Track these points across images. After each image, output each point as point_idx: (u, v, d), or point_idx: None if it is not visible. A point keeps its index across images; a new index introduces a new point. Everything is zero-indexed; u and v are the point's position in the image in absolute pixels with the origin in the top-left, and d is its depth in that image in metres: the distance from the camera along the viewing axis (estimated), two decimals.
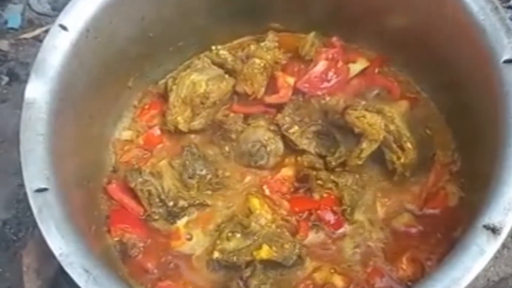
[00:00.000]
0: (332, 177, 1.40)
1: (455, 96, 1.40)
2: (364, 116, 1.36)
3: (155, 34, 1.45)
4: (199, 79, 1.46)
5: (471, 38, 1.22)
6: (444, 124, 1.48)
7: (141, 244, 1.40)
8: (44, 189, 1.15)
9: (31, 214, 1.15)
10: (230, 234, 1.36)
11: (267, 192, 1.43)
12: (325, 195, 1.40)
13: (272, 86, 1.51)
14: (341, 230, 1.39)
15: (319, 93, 1.49)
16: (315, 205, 1.40)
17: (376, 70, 1.55)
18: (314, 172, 1.41)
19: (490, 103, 1.19)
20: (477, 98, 1.27)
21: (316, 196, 1.41)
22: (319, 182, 1.40)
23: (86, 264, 1.10)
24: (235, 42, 1.60)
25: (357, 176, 1.40)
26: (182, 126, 1.47)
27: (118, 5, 1.34)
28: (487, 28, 1.20)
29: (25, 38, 1.94)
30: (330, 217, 1.39)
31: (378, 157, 1.40)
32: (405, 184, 1.42)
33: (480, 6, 1.21)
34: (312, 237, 1.39)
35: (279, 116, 1.46)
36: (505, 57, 1.17)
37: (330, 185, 1.40)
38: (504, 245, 1.46)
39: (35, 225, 1.15)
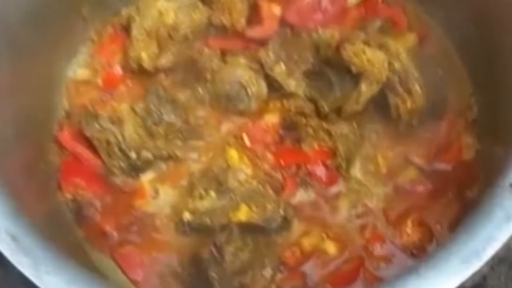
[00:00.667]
0: (324, 124, 1.20)
1: (473, 30, 1.19)
2: (363, 52, 1.15)
3: None
4: (167, 8, 1.25)
5: None
6: (459, 63, 1.27)
7: (98, 203, 1.22)
8: None
9: None
10: (203, 192, 1.18)
11: (247, 142, 1.23)
12: (316, 146, 1.21)
13: (255, 16, 1.29)
14: (335, 188, 1.21)
15: (311, 25, 1.27)
16: (304, 158, 1.21)
17: None
18: (303, 119, 1.21)
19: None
20: (501, 33, 1.05)
21: (306, 147, 1.22)
22: (309, 130, 1.20)
23: (15, 230, 0.89)
24: None
25: (354, 124, 1.20)
26: (147, 64, 1.25)
27: None
28: None
29: None
30: (321, 172, 1.21)
31: (380, 101, 1.19)
32: (412, 134, 1.22)
33: None
34: (301, 195, 1.21)
35: (262, 52, 1.24)
36: None
37: (322, 134, 1.20)
38: None
39: None
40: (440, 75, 1.24)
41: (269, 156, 1.22)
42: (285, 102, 1.22)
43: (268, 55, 1.23)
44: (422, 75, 1.17)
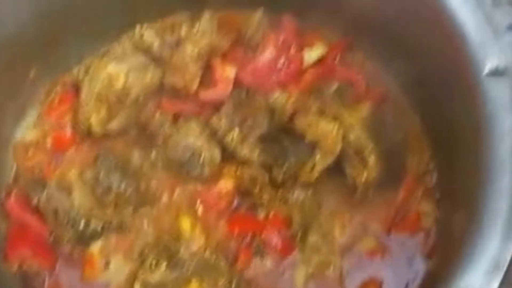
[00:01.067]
0: (280, 192, 1.17)
1: (430, 94, 1.15)
2: (317, 123, 1.12)
3: (59, 16, 1.18)
4: (117, 71, 1.19)
5: (448, 39, 0.96)
6: (418, 125, 1.23)
7: (47, 273, 1.18)
8: None
9: None
10: (154, 263, 1.14)
11: (200, 209, 1.19)
12: (271, 214, 1.18)
13: (208, 78, 1.24)
14: (291, 257, 1.17)
15: (266, 86, 1.23)
16: (259, 226, 1.18)
17: (337, 58, 1.27)
18: (257, 187, 1.17)
19: (471, 123, 0.94)
20: (456, 111, 1.02)
21: (261, 215, 1.18)
22: (264, 198, 1.17)
23: None
24: (166, 19, 1.30)
25: (310, 191, 1.17)
26: (96, 128, 1.21)
27: None
28: (468, 27, 0.92)
29: None
30: (277, 241, 1.17)
31: (336, 169, 1.16)
32: (369, 202, 1.18)
33: (462, 1, 0.93)
34: (256, 265, 1.16)
35: (214, 118, 1.20)
36: (491, 66, 0.90)
37: (277, 202, 1.17)
38: None
39: None
40: (399, 139, 1.21)
41: (223, 224, 1.18)
42: (239, 170, 1.18)
43: (220, 122, 1.19)
44: (378, 144, 1.13)
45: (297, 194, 1.17)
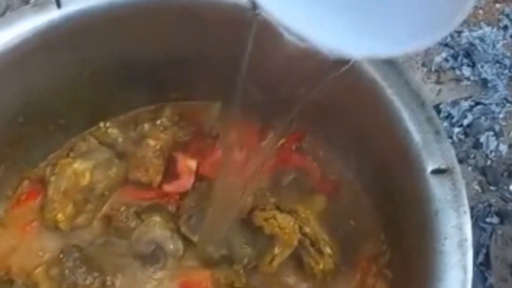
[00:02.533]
0: None
1: (382, 184, 1.19)
2: (274, 218, 1.17)
3: (26, 118, 1.20)
4: (83, 169, 1.23)
5: (393, 138, 1.02)
6: (371, 210, 1.27)
7: None
8: None
9: None
10: None
11: None
12: None
13: (171, 170, 1.29)
14: None
15: None
16: None
17: (293, 147, 1.32)
18: None
19: (418, 219, 1.00)
20: (405, 206, 1.07)
21: None
22: None
23: None
24: (129, 115, 1.35)
25: None
26: (63, 225, 1.23)
27: None
28: (411, 128, 0.99)
29: None
30: None
31: (296, 258, 1.21)
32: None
33: (404, 101, 1.00)
34: None
35: (180, 209, 1.26)
36: (434, 166, 0.96)
37: None
38: None
39: None
40: (353, 226, 1.25)
41: None
42: (215, 274, 1.21)
43: (183, 216, 1.24)
44: (333, 235, 1.19)
45: None
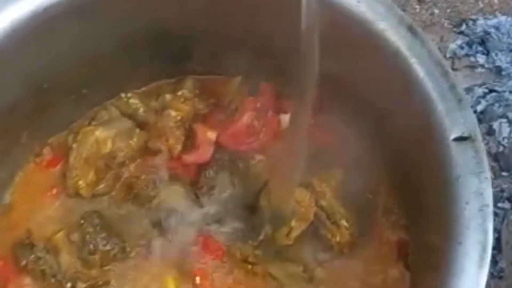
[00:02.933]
0: (270, 269, 1.21)
1: (400, 158, 1.21)
2: None
3: (51, 85, 1.22)
4: (104, 136, 1.25)
5: (416, 107, 1.04)
6: (390, 182, 1.28)
7: None
8: None
9: None
10: None
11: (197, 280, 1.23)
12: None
13: (191, 141, 1.30)
14: None
15: (246, 148, 1.30)
16: None
17: (312, 123, 1.33)
18: (249, 266, 1.22)
19: (439, 186, 1.01)
20: (425, 176, 1.09)
21: None
22: (257, 280, 1.22)
23: None
24: (150, 86, 1.37)
25: (300, 268, 1.21)
26: (84, 192, 1.26)
27: None
28: (434, 97, 1.00)
29: None
30: None
31: (312, 231, 1.22)
32: (345, 259, 1.23)
33: (427, 71, 1.01)
34: None
35: (200, 179, 1.27)
36: (456, 133, 0.98)
37: (269, 279, 1.22)
38: None
39: None
40: (370, 199, 1.27)
41: None
42: (231, 250, 1.23)
43: (202, 186, 1.25)
44: (349, 209, 1.21)
45: (286, 270, 1.22)
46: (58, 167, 1.32)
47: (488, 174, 0.95)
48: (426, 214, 1.10)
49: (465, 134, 0.97)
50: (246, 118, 1.31)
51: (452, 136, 0.98)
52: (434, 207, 1.03)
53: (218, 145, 1.30)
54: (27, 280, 1.22)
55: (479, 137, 0.98)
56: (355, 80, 1.20)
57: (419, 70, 1.02)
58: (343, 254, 1.22)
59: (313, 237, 1.23)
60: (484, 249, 0.92)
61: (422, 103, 1.02)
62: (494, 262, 1.46)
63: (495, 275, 1.46)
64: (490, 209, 0.93)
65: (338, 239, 1.20)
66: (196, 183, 1.28)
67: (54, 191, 1.30)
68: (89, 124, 1.30)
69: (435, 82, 1.01)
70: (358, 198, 1.25)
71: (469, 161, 0.96)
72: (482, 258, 0.92)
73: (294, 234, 1.19)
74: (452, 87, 1.00)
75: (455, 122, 0.98)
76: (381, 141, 1.24)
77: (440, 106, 1.00)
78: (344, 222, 1.19)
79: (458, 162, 0.96)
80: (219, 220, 1.25)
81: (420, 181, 1.10)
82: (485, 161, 0.96)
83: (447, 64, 1.01)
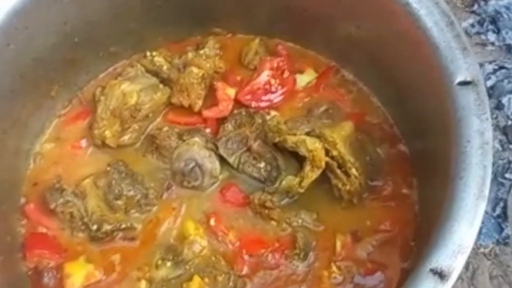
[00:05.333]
0: (286, 215, 1.28)
1: (411, 113, 1.28)
2: (304, 142, 1.24)
3: (81, 39, 1.31)
4: (130, 90, 1.33)
5: (424, 55, 1.11)
6: (396, 136, 1.36)
7: (57, 272, 1.26)
8: None
9: None
10: (160, 262, 1.25)
11: (212, 222, 1.29)
12: (280, 233, 1.29)
13: (211, 97, 1.38)
14: (290, 271, 1.26)
15: (263, 105, 1.38)
16: (263, 246, 1.27)
17: (326, 82, 1.41)
18: (266, 211, 1.28)
19: (443, 127, 1.08)
20: (431, 119, 1.15)
21: (269, 235, 1.29)
22: (273, 223, 1.28)
23: None
24: (173, 46, 1.45)
25: (314, 215, 1.28)
26: (110, 141, 1.33)
27: (34, 9, 1.19)
28: (441, 45, 1.07)
29: None
30: (280, 261, 1.26)
31: (323, 180, 1.28)
32: (354, 208, 1.29)
33: (434, 21, 1.08)
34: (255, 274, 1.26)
35: (219, 132, 1.34)
36: (460, 78, 1.04)
37: (284, 225, 1.28)
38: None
39: None
40: (379, 154, 1.33)
41: (232, 237, 1.28)
42: (250, 196, 1.29)
43: (223, 137, 1.32)
44: (359, 159, 1.26)
45: (302, 217, 1.28)
46: (87, 119, 1.39)
47: (489, 115, 1.02)
48: (432, 156, 1.16)
49: (468, 79, 1.04)
50: (263, 77, 1.39)
51: (456, 81, 1.04)
52: (439, 146, 1.09)
53: (236, 102, 1.38)
54: (55, 223, 1.29)
55: (482, 81, 1.04)
56: (367, 36, 1.27)
57: (427, 21, 1.09)
58: (352, 203, 1.28)
59: (325, 188, 1.29)
60: (483, 183, 0.98)
61: (429, 51, 1.08)
62: (500, 229, 1.50)
63: (500, 242, 1.49)
64: (490, 146, 1.00)
65: (348, 187, 1.25)
66: (215, 135, 1.35)
67: (83, 141, 1.38)
68: (116, 79, 1.37)
69: (441, 32, 1.08)
70: (368, 152, 1.32)
71: (471, 103, 1.03)
72: (481, 191, 0.98)
73: (306, 182, 1.25)
74: (457, 36, 1.07)
75: (459, 68, 1.05)
76: (390, 92, 1.32)
77: (446, 53, 1.06)
78: (354, 171, 1.25)
79: (461, 104, 1.03)
80: (237, 169, 1.32)
81: (426, 124, 1.17)
82: (486, 103, 1.02)
83: (452, 15, 1.07)
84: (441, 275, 0.95)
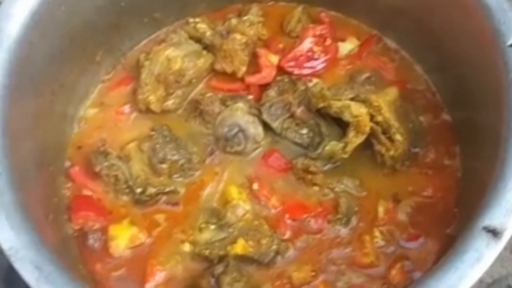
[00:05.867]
0: (329, 181, 1.29)
1: (455, 80, 1.29)
2: (349, 107, 1.25)
3: (127, 4, 1.33)
4: (175, 55, 1.34)
5: (473, 18, 1.11)
6: (440, 103, 1.37)
7: (102, 234, 1.28)
8: None
9: None
10: (203, 225, 1.26)
11: (255, 186, 1.30)
12: (322, 198, 1.29)
13: (254, 64, 1.39)
14: (333, 235, 1.27)
15: (306, 72, 1.38)
16: (308, 211, 1.28)
17: (368, 50, 1.42)
18: (309, 176, 1.28)
19: (492, 91, 1.08)
20: (479, 84, 1.16)
21: (312, 200, 1.29)
22: (315, 188, 1.29)
23: (38, 260, 0.99)
24: (215, 13, 1.46)
25: (357, 181, 1.29)
26: (155, 106, 1.34)
27: None
28: (493, 7, 1.08)
29: None
30: (323, 225, 1.27)
31: (366, 146, 1.29)
32: (397, 173, 1.30)
33: None
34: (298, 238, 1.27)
35: (262, 98, 1.35)
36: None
37: (326, 190, 1.29)
38: None
39: None
40: (421, 121, 1.34)
41: (274, 201, 1.29)
42: (293, 161, 1.30)
43: (266, 103, 1.33)
44: (403, 125, 1.27)
45: (345, 183, 1.29)
46: (129, 85, 1.41)
47: None
48: (477, 122, 1.17)
49: None
50: (306, 44, 1.40)
51: (509, 42, 1.05)
52: (488, 115, 1.10)
53: (279, 69, 1.39)
54: (100, 185, 1.31)
55: None
56: (413, 3, 1.28)
57: None
58: (395, 169, 1.29)
59: (367, 154, 1.30)
60: None
61: (480, 14, 1.09)
62: None
63: None
64: None
65: (392, 153, 1.26)
66: (257, 102, 1.35)
67: (126, 107, 1.39)
68: (160, 45, 1.37)
69: None
70: (411, 119, 1.32)
71: None
72: None
73: (350, 147, 1.26)
74: None
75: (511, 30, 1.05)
76: (433, 60, 1.33)
77: (498, 15, 1.07)
78: (398, 137, 1.25)
79: None
80: (279, 135, 1.33)
81: (472, 90, 1.18)
82: None
83: None
84: (495, 233, 0.96)
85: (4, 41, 1.12)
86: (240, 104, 1.34)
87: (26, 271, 0.98)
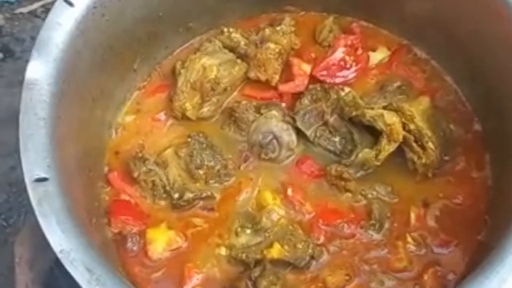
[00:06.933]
0: (361, 187, 1.32)
1: (486, 89, 1.32)
2: (382, 115, 1.28)
3: (164, 14, 1.36)
4: (210, 63, 1.37)
5: (506, 29, 1.14)
6: (470, 114, 1.40)
7: (140, 237, 1.31)
8: (45, 179, 1.06)
9: (24, 199, 1.05)
10: (239, 229, 1.29)
11: (288, 190, 1.34)
12: (355, 204, 1.33)
13: (287, 73, 1.42)
14: (366, 240, 1.30)
15: (338, 81, 1.42)
16: (342, 217, 1.31)
17: (399, 60, 1.45)
18: (342, 182, 1.32)
19: None
20: (509, 92, 1.19)
21: (344, 206, 1.33)
22: (348, 194, 1.32)
23: (88, 262, 1.02)
24: (249, 23, 1.50)
25: (389, 188, 1.32)
26: (190, 113, 1.38)
27: None
28: None
29: (21, 13, 1.83)
30: (356, 230, 1.30)
31: (398, 154, 1.32)
32: (429, 181, 1.33)
33: None
34: (331, 242, 1.30)
35: (296, 106, 1.38)
36: None
37: (359, 197, 1.33)
38: None
39: (27, 211, 1.06)
40: (452, 130, 1.37)
41: (308, 206, 1.32)
42: (327, 167, 1.33)
43: (299, 111, 1.36)
44: (435, 133, 1.30)
45: (377, 190, 1.32)
46: (165, 93, 1.44)
47: None
48: (508, 130, 1.21)
49: None
50: (338, 54, 1.43)
51: None
52: None
53: (311, 77, 1.42)
54: (138, 190, 1.34)
55: None
56: (443, 13, 1.31)
57: None
58: (426, 177, 1.32)
59: (398, 161, 1.33)
60: None
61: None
62: None
63: None
64: None
65: (424, 160, 1.29)
66: (290, 110, 1.39)
67: (161, 114, 1.42)
68: (195, 53, 1.41)
69: None
70: (442, 127, 1.35)
71: None
72: None
73: (383, 155, 1.29)
74: None
75: None
76: (464, 70, 1.36)
77: None
78: (431, 145, 1.28)
79: None
80: (312, 142, 1.36)
81: (503, 100, 1.22)
82: None
83: None
84: None
85: (52, 50, 1.15)
86: (274, 112, 1.37)
87: (77, 273, 1.00)
